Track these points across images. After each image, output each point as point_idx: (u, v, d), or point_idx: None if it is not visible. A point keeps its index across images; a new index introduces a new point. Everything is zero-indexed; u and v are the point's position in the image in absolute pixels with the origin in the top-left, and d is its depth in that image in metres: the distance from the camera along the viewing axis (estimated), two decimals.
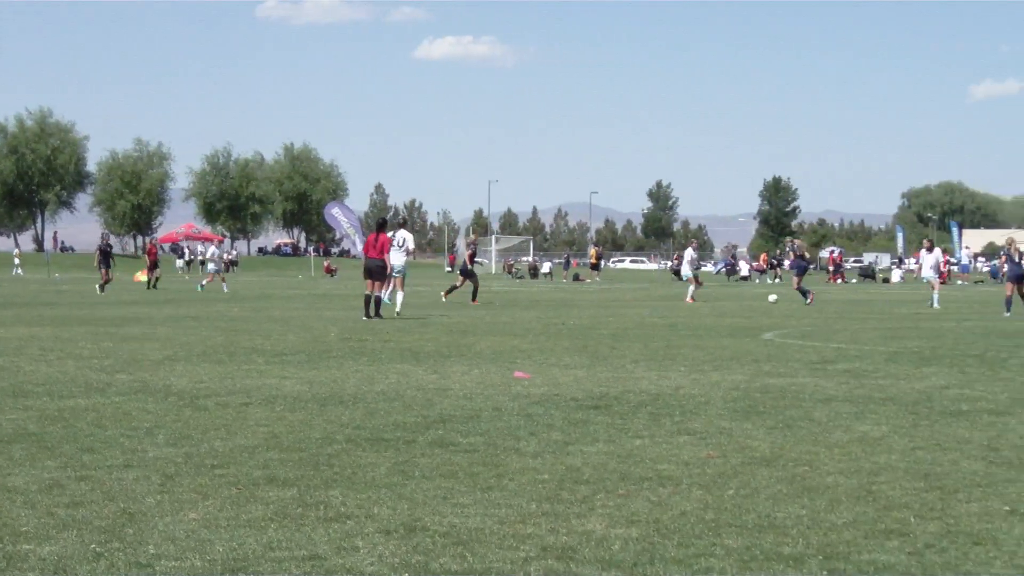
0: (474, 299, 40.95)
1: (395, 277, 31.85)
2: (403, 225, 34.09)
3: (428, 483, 9.02)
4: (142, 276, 63.88)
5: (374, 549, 7.11)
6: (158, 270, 58.26)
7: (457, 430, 11.61)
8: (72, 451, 10.20)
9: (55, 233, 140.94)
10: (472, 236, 52.48)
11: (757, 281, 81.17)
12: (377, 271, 30.11)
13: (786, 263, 60.14)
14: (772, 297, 46.30)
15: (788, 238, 57.18)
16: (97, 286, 50.18)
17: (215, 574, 6.61)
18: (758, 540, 7.39)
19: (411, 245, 32.80)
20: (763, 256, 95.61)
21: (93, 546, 7.09)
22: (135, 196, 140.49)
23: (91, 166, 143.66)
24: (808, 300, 42.45)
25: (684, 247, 51.96)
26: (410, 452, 10.35)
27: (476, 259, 45.75)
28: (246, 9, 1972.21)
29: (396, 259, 31.55)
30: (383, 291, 31.59)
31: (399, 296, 31.84)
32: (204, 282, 54.82)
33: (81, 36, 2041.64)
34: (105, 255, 51.43)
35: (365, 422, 12.11)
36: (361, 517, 7.89)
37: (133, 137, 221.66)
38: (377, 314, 30.03)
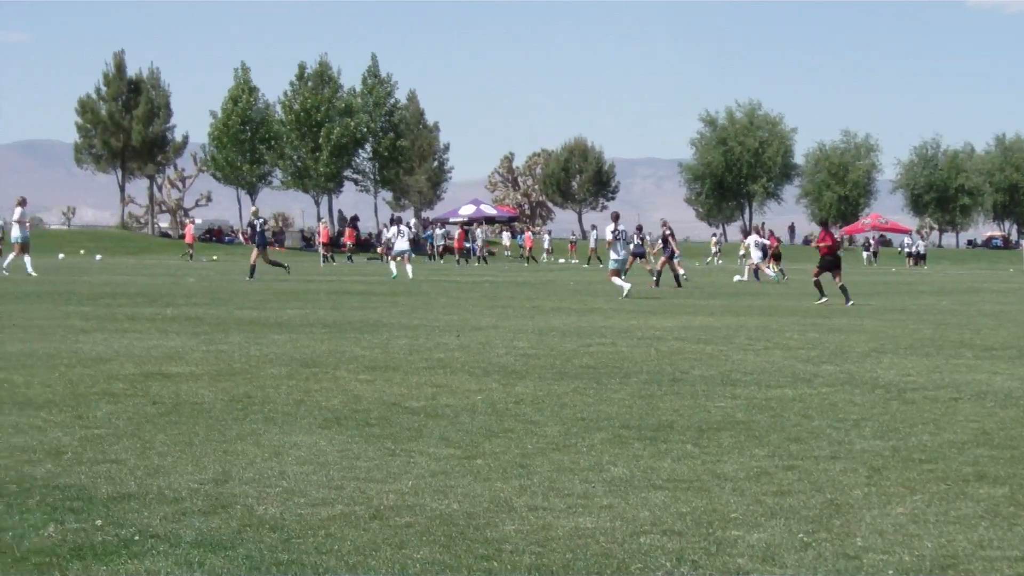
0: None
1: (404, 256, 47.29)
2: (399, 221, 50.20)
3: None
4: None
5: None
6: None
7: None
8: (779, 440, 10.31)
9: (763, 224, 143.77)
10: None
11: None
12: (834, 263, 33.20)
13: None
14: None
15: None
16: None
17: (923, 570, 6.48)
18: None
19: (408, 236, 48.57)
20: None
21: (800, 535, 7.11)
22: (841, 187, 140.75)
23: (798, 158, 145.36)
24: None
25: None
26: None
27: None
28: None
29: (401, 244, 47.87)
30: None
31: (407, 268, 46.25)
32: None
33: (794, 33, 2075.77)
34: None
35: None
36: None
37: (841, 128, 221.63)
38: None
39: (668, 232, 45.75)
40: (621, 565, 6.51)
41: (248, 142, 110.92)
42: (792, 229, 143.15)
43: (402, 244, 49.00)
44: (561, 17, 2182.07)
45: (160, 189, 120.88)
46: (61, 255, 76.20)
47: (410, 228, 61.03)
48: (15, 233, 43.95)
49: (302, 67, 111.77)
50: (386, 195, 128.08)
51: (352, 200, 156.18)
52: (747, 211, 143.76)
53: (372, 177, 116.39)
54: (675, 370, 15.57)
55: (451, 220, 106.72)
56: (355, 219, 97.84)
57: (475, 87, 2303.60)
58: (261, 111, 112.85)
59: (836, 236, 34.26)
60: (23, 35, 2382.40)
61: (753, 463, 9.27)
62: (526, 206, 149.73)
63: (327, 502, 7.80)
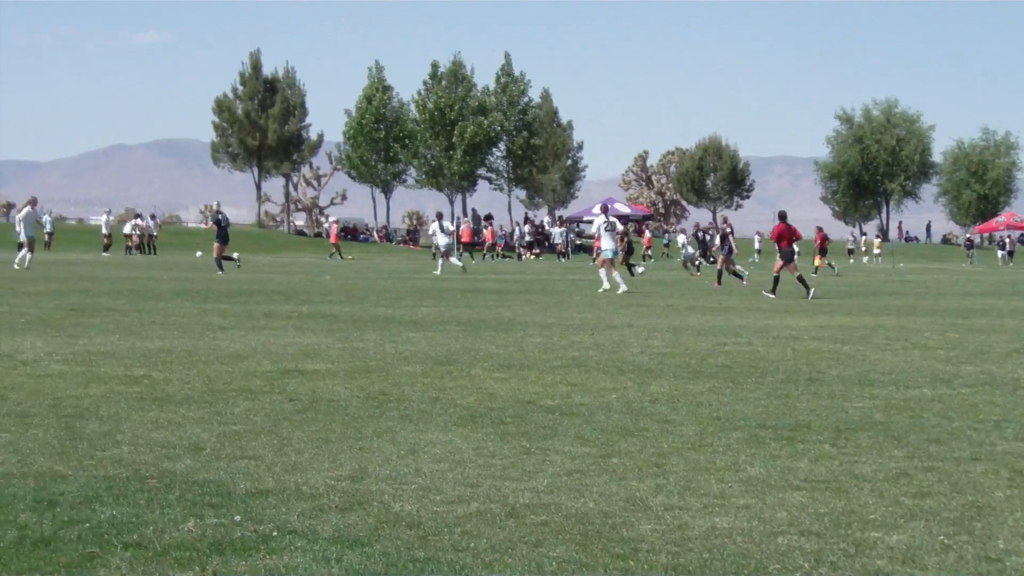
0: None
1: (446, 252, 50.22)
2: (439, 218, 52.31)
3: None
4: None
5: None
6: None
7: None
8: (918, 441, 10.16)
9: (899, 224, 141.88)
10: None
11: None
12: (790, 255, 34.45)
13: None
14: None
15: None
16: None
17: None
18: None
19: (451, 227, 53.93)
20: None
21: (941, 537, 7.01)
22: (981, 186, 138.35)
23: (936, 156, 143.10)
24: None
25: None
26: None
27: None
28: None
29: (442, 240, 50.27)
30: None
31: (453, 260, 50.40)
32: None
33: (932, 30, 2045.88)
34: None
35: None
36: None
37: (980, 126, 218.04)
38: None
39: (728, 230, 45.76)
40: (759, 566, 6.46)
41: (382, 141, 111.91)
42: (929, 227, 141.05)
43: (442, 240, 50.55)
44: (695, 15, 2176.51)
45: (296, 187, 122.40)
46: (199, 253, 77.32)
47: (498, 223, 62.24)
48: (22, 232, 45.67)
49: (435, 66, 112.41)
50: (520, 193, 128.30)
51: (486, 198, 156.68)
52: (884, 210, 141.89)
53: (506, 176, 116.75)
54: (812, 370, 15.41)
55: (584, 219, 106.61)
56: (489, 217, 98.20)
57: (609, 86, 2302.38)
58: (395, 110, 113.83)
59: (794, 229, 34.99)
60: (161, 35, 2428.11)
61: (892, 464, 9.15)
62: (660, 204, 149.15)
63: (463, 500, 7.83)
